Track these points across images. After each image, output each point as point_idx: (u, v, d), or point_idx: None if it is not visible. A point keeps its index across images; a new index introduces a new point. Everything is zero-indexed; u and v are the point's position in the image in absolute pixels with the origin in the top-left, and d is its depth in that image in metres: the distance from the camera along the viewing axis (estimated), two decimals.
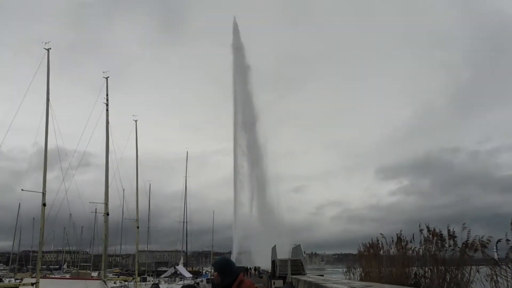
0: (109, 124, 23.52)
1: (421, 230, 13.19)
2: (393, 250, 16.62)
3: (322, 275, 26.02)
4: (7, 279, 47.63)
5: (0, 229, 68.23)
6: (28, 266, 79.61)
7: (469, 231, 11.48)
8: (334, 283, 12.50)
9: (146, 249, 64.23)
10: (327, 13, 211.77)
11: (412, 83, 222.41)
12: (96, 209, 59.79)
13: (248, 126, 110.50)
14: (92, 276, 53.30)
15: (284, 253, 31.09)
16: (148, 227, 59.04)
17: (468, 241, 11.49)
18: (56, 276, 33.76)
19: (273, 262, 30.75)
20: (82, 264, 65.74)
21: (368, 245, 18.14)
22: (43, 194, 14.88)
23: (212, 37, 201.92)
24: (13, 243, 64.05)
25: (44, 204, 14.92)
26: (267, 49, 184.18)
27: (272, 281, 26.38)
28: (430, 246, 12.82)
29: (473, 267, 11.39)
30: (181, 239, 63.11)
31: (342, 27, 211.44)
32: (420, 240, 14.12)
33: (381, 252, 17.46)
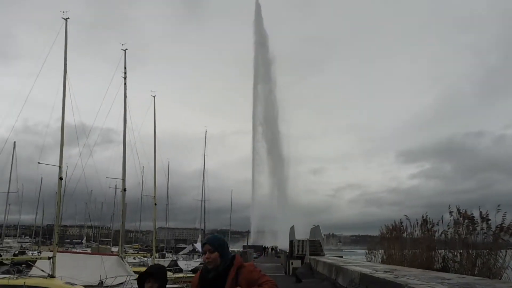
0: (128, 101, 23.27)
1: (450, 212, 12.42)
2: (417, 233, 15.93)
3: (341, 256, 25.58)
4: (31, 252, 48.97)
5: (26, 202, 69.58)
6: (52, 240, 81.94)
7: (504, 214, 10.67)
8: (355, 265, 11.94)
9: (165, 226, 64.90)
10: None
11: (436, 67, 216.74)
12: (116, 185, 60.84)
13: (266, 108, 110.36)
14: (112, 252, 54.48)
15: (300, 234, 30.72)
16: (167, 205, 59.73)
17: (504, 224, 10.69)
18: (73, 251, 34.32)
19: (291, 242, 30.40)
20: (102, 239, 67.06)
21: (391, 227, 17.46)
22: (60, 167, 14.68)
23: (233, 17, 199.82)
24: (36, 216, 65.50)
25: (60, 178, 14.73)
26: (287, 30, 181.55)
27: (290, 261, 26.05)
28: (460, 229, 12.06)
29: (508, 251, 10.63)
30: (199, 217, 63.65)
31: (364, 9, 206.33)
32: (448, 223, 13.37)
33: (405, 234, 16.80)
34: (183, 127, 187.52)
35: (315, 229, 28.46)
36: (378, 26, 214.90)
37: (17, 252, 47.81)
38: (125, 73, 20.09)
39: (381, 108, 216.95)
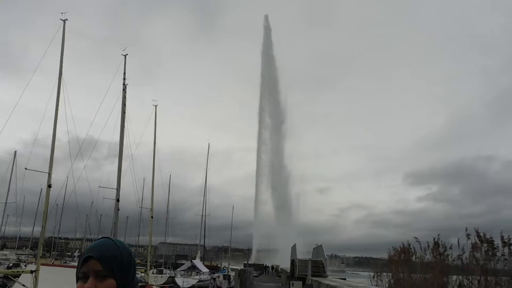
0: (136, 114, 22.55)
1: (468, 235, 11.37)
2: (428, 256, 14.85)
3: (345, 279, 24.30)
4: (26, 264, 47.76)
5: (30, 214, 68.40)
6: (53, 252, 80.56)
7: None
8: None
9: (164, 241, 63.61)
10: (360, 13, 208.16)
11: (448, 88, 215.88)
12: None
13: (273, 127, 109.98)
14: None
15: (302, 254, 29.54)
16: (167, 219, 58.46)
17: None
18: (60, 264, 33.20)
19: (292, 261, 29.21)
20: None
21: (399, 249, 16.35)
22: (49, 174, 13.84)
23: (243, 35, 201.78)
24: (33, 228, 64.30)
25: (49, 186, 13.87)
26: (297, 49, 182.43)
27: (291, 282, 24.82)
28: (478, 253, 11.01)
29: None
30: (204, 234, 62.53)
31: (375, 27, 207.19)
32: (463, 247, 12.33)
33: (414, 257, 15.70)
34: (190, 143, 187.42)
35: (318, 249, 27.29)
36: (389, 45, 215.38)
37: (11, 264, 46.58)
38: (124, 78, 19.40)
39: (391, 127, 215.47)
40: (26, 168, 14.45)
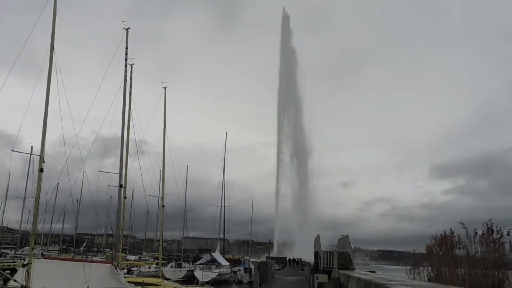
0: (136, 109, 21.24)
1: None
2: (475, 246, 12.71)
3: (374, 272, 22.26)
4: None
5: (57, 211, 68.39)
6: (81, 248, 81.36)
7: None
8: (406, 284, 8.90)
9: (183, 234, 62.59)
10: (382, 4, 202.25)
11: (474, 79, 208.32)
12: (133, 190, 58.96)
13: (293, 120, 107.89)
14: (128, 260, 52.43)
15: (324, 247, 27.63)
16: (185, 211, 57.25)
17: None
18: (56, 257, 32.19)
19: (316, 253, 27.29)
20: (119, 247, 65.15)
21: (441, 238, 14.21)
22: (41, 157, 12.40)
23: (265, 28, 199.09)
24: (50, 224, 63.95)
25: (41, 170, 12.45)
26: (319, 41, 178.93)
27: (315, 275, 22.94)
28: None
29: None
30: (225, 226, 61.51)
31: (398, 19, 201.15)
32: None
33: (459, 248, 13.56)
34: (212, 139, 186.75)
35: (344, 240, 25.29)
36: (413, 36, 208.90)
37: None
38: (126, 53, 17.86)
39: (416, 121, 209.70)
40: (12, 150, 13.08)
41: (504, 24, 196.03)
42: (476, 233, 12.43)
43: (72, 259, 22.70)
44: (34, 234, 12.59)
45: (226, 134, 65.80)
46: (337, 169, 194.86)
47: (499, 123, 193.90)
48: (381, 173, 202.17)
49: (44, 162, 13.54)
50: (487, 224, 11.60)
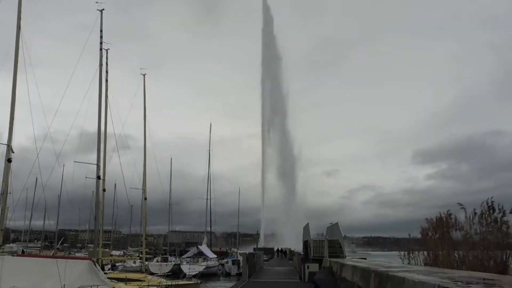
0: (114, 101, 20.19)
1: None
2: (474, 227, 12.17)
3: (365, 259, 21.78)
4: None
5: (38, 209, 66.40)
6: (65, 244, 79.45)
7: None
8: (407, 271, 8.20)
9: (168, 228, 61.53)
10: None
11: (454, 65, 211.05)
12: (115, 183, 57.33)
13: (277, 112, 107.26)
14: (112, 255, 51.16)
15: (312, 237, 27.09)
16: (170, 204, 56.17)
17: None
18: (30, 254, 30.96)
19: (305, 242, 26.72)
20: (102, 242, 63.57)
21: (435, 220, 13.64)
22: (8, 146, 11.31)
23: (247, 18, 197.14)
24: (30, 221, 61.79)
25: (9, 160, 11.36)
26: (301, 32, 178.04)
27: (306, 264, 22.34)
28: None
29: None
30: (211, 219, 60.73)
31: (379, 8, 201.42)
32: None
33: (456, 230, 13.02)
34: (197, 131, 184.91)
35: (333, 227, 24.71)
36: (394, 25, 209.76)
37: None
38: (101, 36, 16.63)
39: (398, 108, 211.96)
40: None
41: (484, 10, 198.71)
42: (475, 213, 11.86)
43: (47, 256, 21.54)
44: (2, 230, 11.52)
45: (211, 125, 65.01)
46: (322, 158, 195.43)
47: (480, 108, 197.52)
48: (365, 161, 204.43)
49: (13, 152, 12.44)
50: (487, 203, 11.02)
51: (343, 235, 22.61)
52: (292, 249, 62.97)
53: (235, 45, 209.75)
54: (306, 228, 26.96)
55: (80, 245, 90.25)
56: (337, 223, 24.24)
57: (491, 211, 10.88)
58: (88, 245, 75.89)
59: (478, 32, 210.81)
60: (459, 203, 12.29)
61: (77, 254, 58.21)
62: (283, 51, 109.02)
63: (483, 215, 11.56)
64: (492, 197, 10.89)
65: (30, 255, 24.66)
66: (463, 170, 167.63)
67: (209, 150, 61.80)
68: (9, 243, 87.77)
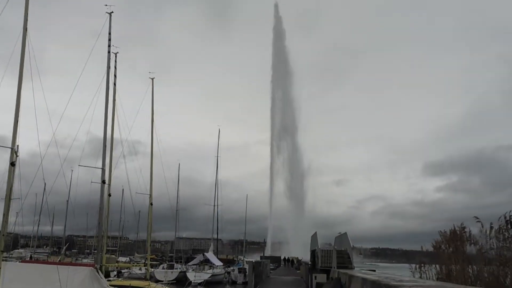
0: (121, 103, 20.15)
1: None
2: (490, 242, 11.69)
3: (374, 270, 21.26)
4: None
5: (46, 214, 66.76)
6: (73, 250, 79.59)
7: None
8: (421, 286, 7.79)
9: (175, 234, 61.19)
10: (375, 3, 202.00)
11: (466, 77, 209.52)
12: (123, 188, 57.35)
13: (287, 119, 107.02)
14: (118, 261, 50.94)
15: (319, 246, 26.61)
16: (177, 210, 55.89)
17: None
18: (34, 261, 30.80)
19: (313, 252, 26.20)
20: (108, 248, 63.48)
21: (449, 233, 13.16)
22: (12, 149, 11.16)
23: (256, 27, 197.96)
24: (38, 226, 61.95)
25: (12, 164, 11.18)
26: (312, 40, 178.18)
27: (314, 275, 21.84)
28: None
29: None
30: (217, 225, 60.32)
31: (390, 17, 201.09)
32: None
33: (471, 244, 12.53)
34: (206, 138, 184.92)
35: (342, 237, 24.22)
36: (405, 35, 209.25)
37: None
38: (110, 39, 16.52)
39: (409, 119, 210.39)
40: None
41: (495, 22, 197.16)
42: (491, 227, 11.39)
43: (49, 262, 21.34)
44: (3, 235, 11.33)
45: (219, 131, 65.02)
46: (331, 167, 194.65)
47: (491, 120, 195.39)
48: (374, 171, 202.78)
49: (17, 155, 12.30)
50: (505, 217, 10.55)
51: (351, 246, 22.11)
52: (300, 258, 62.24)
53: (244, 50, 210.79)
54: (314, 237, 26.48)
55: (88, 251, 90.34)
56: (345, 233, 23.74)
57: (510, 226, 10.41)
58: (95, 251, 75.93)
59: (490, 43, 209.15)
60: (475, 217, 11.82)
61: (84, 260, 58.12)
62: (293, 61, 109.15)
63: (501, 230, 11.08)
64: (510, 211, 10.42)
65: (32, 261, 24.49)
66: (474, 184, 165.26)
67: (217, 156, 61.55)
68: (18, 249, 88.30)
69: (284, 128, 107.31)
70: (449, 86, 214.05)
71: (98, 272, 13.10)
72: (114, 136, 20.22)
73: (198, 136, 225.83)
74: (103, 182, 15.52)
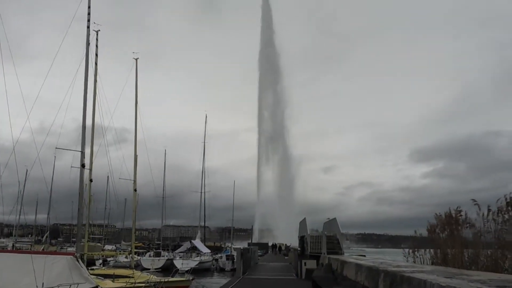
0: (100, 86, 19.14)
1: None
2: (488, 225, 11.27)
3: (364, 255, 20.96)
4: None
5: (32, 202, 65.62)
6: (59, 239, 78.40)
7: None
8: (422, 271, 7.28)
9: (162, 222, 60.49)
10: None
11: (455, 63, 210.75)
12: (112, 174, 56.32)
13: (275, 106, 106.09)
14: (103, 250, 50.12)
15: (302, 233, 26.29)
16: (163, 197, 55.10)
17: None
18: (7, 250, 29.88)
19: (301, 238, 25.84)
20: (93, 236, 62.41)
21: (446, 216, 12.71)
22: None
23: (245, 14, 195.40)
24: (19, 215, 60.58)
25: None
26: (301, 26, 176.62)
27: (303, 261, 21.48)
28: None
29: None
30: (204, 212, 59.78)
31: (381, 3, 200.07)
32: None
33: (467, 227, 12.11)
34: (193, 125, 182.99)
35: (331, 223, 23.82)
36: (395, 21, 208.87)
37: None
38: (89, 13, 15.35)
39: (397, 105, 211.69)
40: None
41: (486, 7, 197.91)
42: (489, 210, 10.95)
43: (24, 251, 20.48)
44: None
45: (206, 116, 64.03)
46: (319, 154, 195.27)
47: (480, 106, 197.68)
48: (362, 158, 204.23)
49: None
50: (505, 198, 10.10)
51: (341, 231, 21.74)
52: (289, 244, 62.26)
53: (233, 37, 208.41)
54: (303, 223, 26.09)
55: (74, 239, 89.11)
56: (335, 219, 23.34)
57: (510, 208, 9.97)
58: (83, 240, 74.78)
59: (480, 28, 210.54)
60: (472, 199, 11.36)
61: (69, 249, 57.15)
62: (282, 47, 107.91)
63: (500, 212, 10.64)
64: (511, 193, 9.98)
65: (6, 250, 23.53)
66: (460, 170, 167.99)
67: (204, 142, 60.75)
68: (1, 238, 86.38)
69: (271, 114, 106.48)
70: (438, 72, 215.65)
71: (78, 261, 12.37)
72: (98, 121, 19.39)
73: (185, 124, 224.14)
74: (83, 166, 14.66)
